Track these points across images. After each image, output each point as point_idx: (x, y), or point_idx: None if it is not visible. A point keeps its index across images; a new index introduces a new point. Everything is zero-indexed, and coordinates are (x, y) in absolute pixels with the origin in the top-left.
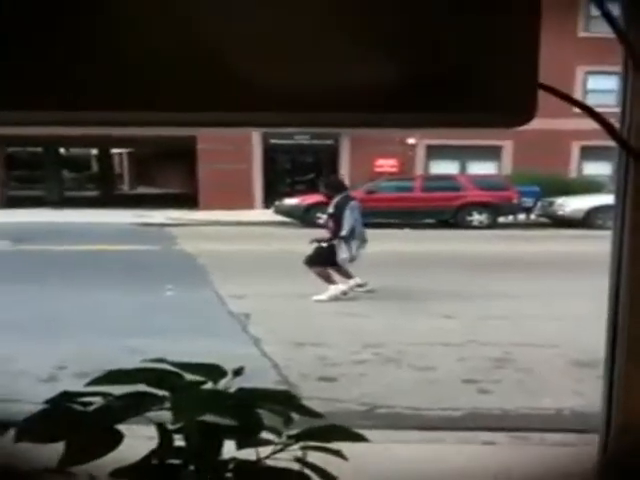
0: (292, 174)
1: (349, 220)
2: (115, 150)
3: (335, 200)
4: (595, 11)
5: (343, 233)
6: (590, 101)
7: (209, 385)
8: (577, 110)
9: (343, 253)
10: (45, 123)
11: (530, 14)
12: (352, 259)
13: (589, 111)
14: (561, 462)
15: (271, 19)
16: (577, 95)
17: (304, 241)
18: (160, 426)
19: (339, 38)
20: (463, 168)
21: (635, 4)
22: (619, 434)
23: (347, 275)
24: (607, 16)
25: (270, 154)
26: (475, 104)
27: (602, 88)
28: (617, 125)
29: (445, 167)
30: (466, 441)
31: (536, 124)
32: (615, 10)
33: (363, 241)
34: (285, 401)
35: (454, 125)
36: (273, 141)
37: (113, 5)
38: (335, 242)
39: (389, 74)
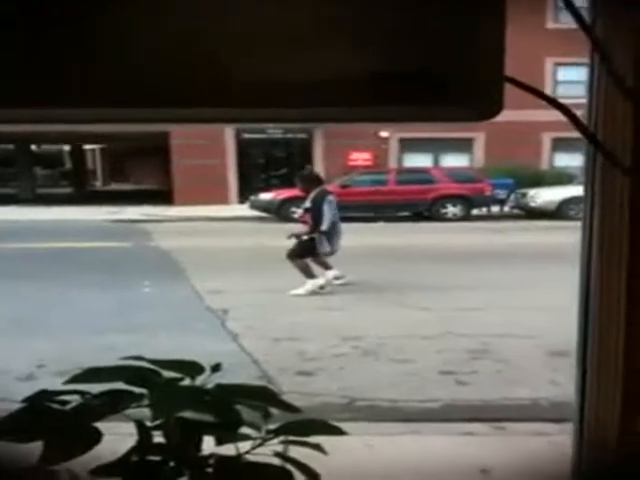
0: (266, 168)
1: (328, 214)
2: (88, 146)
3: (312, 194)
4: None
5: (323, 227)
6: (560, 92)
7: (187, 382)
8: None
9: (324, 247)
10: (25, 121)
11: (496, 10)
12: (332, 253)
13: (555, 104)
14: (539, 451)
15: (242, 19)
16: (547, 86)
17: (280, 235)
18: (139, 423)
19: (312, 36)
20: (436, 161)
21: None
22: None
23: (325, 266)
24: (573, 12)
25: (243, 149)
26: (443, 98)
27: (571, 79)
28: (585, 117)
29: (418, 160)
30: (445, 432)
31: (507, 116)
32: (582, 2)
33: (339, 234)
34: (263, 396)
35: (422, 119)
36: (246, 135)
37: (91, 7)
38: (315, 236)
39: (360, 70)
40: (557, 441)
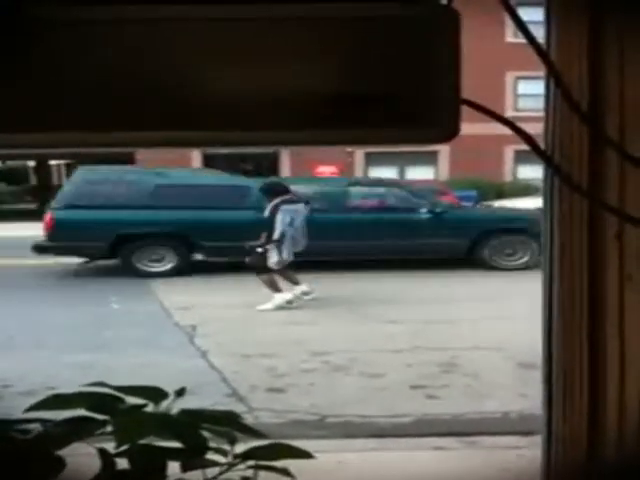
0: None
1: (280, 224)
2: (53, 162)
3: (270, 205)
4: (524, 17)
5: (274, 237)
6: (520, 105)
7: (151, 408)
8: (510, 114)
9: (274, 257)
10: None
11: (451, 31)
12: (281, 263)
13: (512, 127)
14: (508, 464)
15: (204, 40)
16: (508, 100)
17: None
18: (102, 450)
19: (270, 60)
20: (401, 173)
21: (556, 17)
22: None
23: (293, 281)
24: (528, 36)
25: (210, 163)
26: (400, 121)
27: (532, 93)
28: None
29: (384, 173)
30: (417, 447)
31: (471, 129)
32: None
33: (298, 245)
34: (229, 422)
35: (378, 142)
36: (212, 149)
37: (57, 28)
38: (268, 247)
39: (314, 93)
40: (526, 454)
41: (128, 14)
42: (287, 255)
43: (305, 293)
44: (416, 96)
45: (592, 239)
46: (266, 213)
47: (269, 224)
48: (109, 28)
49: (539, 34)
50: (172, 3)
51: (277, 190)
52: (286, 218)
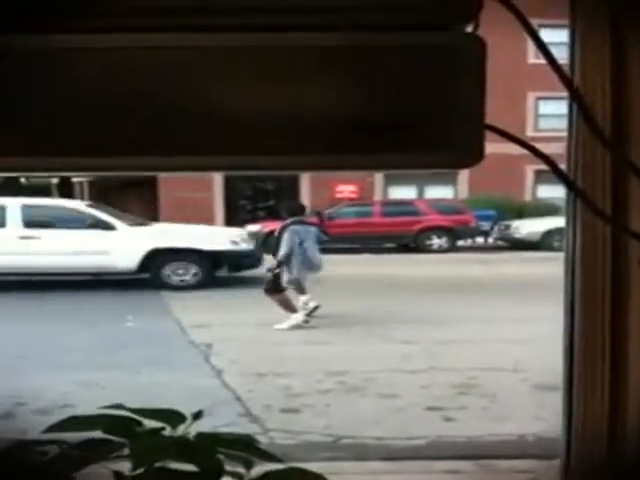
0: (253, 201)
1: (286, 244)
2: (76, 179)
3: (280, 225)
4: (545, 38)
5: (278, 257)
6: (541, 126)
7: (168, 431)
8: (530, 135)
9: (284, 276)
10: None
11: (477, 62)
12: (290, 282)
13: (536, 152)
14: None
15: (225, 65)
16: (529, 120)
17: (265, 268)
18: (118, 473)
19: (292, 86)
20: (421, 193)
21: (580, 41)
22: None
23: (301, 291)
24: (553, 64)
25: (230, 181)
26: (425, 147)
27: (553, 113)
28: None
29: (403, 192)
30: (432, 470)
31: (491, 149)
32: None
33: (312, 267)
34: (246, 445)
35: (405, 167)
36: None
37: (69, 53)
38: (280, 267)
39: (339, 119)
40: (543, 478)
41: (146, 42)
42: (297, 274)
43: (305, 303)
44: (441, 122)
45: (615, 264)
46: (275, 233)
47: (277, 244)
48: (126, 54)
49: (562, 55)
50: (192, 31)
51: (295, 210)
52: (294, 238)
